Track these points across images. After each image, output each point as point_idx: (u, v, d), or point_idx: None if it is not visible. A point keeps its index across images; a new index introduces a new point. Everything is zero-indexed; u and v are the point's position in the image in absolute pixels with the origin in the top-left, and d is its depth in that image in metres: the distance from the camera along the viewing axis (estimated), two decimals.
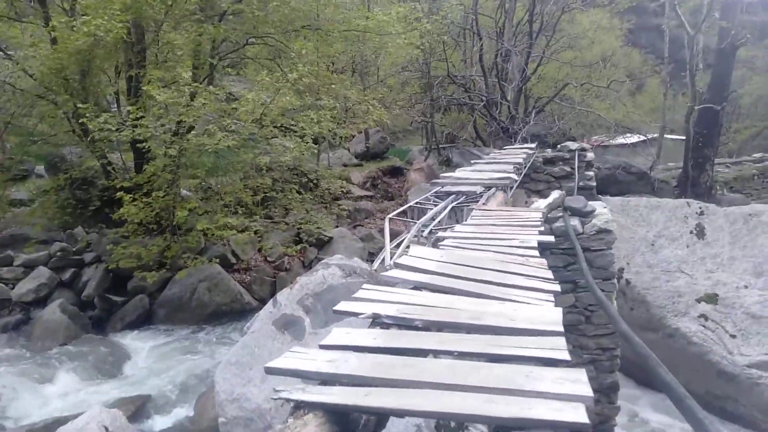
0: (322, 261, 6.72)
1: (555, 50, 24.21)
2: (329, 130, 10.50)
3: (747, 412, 8.35)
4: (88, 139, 9.44)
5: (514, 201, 10.21)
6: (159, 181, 8.94)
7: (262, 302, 12.63)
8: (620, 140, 33.07)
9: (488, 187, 6.27)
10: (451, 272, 2.82)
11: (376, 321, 2.34)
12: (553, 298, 2.56)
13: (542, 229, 4.09)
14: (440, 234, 4.01)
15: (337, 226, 14.82)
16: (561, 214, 5.38)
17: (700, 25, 18.51)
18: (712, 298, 9.18)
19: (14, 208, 14.64)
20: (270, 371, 1.85)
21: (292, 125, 9.96)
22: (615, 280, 5.51)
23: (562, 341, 1.96)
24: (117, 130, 8.47)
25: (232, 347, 6.58)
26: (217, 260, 12.11)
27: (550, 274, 2.91)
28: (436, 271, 2.85)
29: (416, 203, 5.76)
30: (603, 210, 5.47)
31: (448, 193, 6.16)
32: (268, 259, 13.24)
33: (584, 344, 5.80)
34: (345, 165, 20.12)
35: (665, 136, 29.68)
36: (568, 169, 11.07)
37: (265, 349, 6.02)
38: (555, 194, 5.64)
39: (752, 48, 32.97)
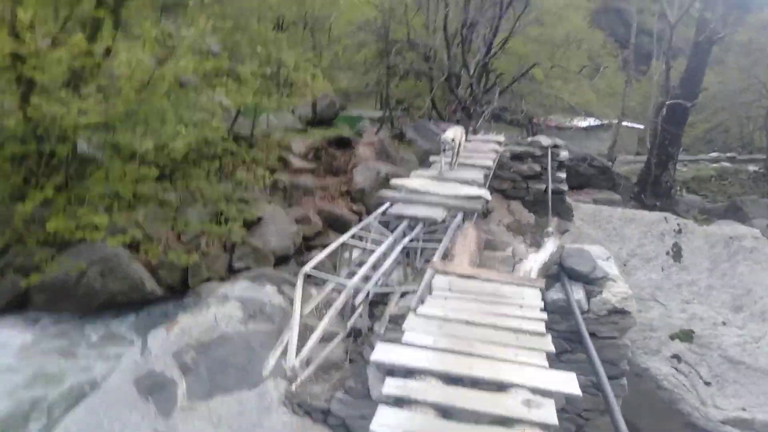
0: (221, 292, 4.88)
1: (523, 25, 22.59)
2: (252, 104, 8.46)
3: None
4: None
5: (492, 211, 8.61)
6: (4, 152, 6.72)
7: (170, 291, 10.62)
8: (576, 123, 32.54)
9: (453, 210, 4.59)
10: None
11: None
12: None
13: (550, 344, 2.50)
14: (382, 360, 2.31)
15: (270, 203, 12.86)
16: (555, 270, 3.83)
17: (682, 14, 17.30)
18: (687, 335, 8.06)
19: None
20: None
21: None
22: (624, 380, 4.07)
23: None
24: None
25: (76, 409, 4.68)
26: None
27: None
28: None
29: (352, 237, 4.04)
30: (615, 273, 3.96)
31: (399, 217, 4.47)
32: (182, 238, 11.15)
33: None
34: (287, 130, 17.90)
35: (622, 123, 29.13)
36: (537, 168, 9.59)
37: (118, 421, 4.19)
38: (550, 246, 4.06)
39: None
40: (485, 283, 3.35)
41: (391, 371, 2.22)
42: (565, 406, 4.00)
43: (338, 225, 12.83)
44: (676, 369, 7.76)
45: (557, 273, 3.89)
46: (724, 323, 8.25)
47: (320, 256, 3.64)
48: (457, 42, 19.44)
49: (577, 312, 3.45)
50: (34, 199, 7.17)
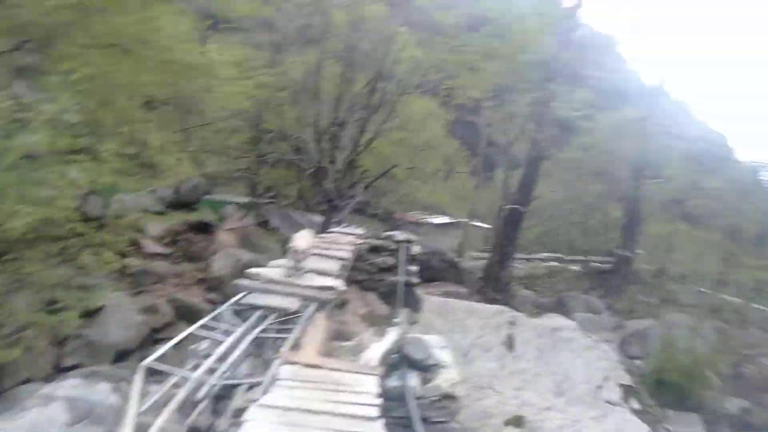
0: (44, 392, 4.48)
1: (389, 128, 24.76)
2: (109, 186, 8.22)
3: None
4: None
5: (348, 302, 8.95)
6: None
7: None
8: (431, 219, 35.25)
9: (308, 301, 4.86)
10: None
11: None
12: None
13: (379, 427, 2.80)
14: None
15: (115, 290, 11.89)
16: (396, 357, 4.22)
17: (519, 133, 20.32)
18: (518, 421, 8.85)
19: None
20: None
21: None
22: None
23: None
24: None
25: None
26: None
27: None
28: None
29: (202, 327, 4.08)
30: (448, 360, 4.46)
31: (253, 307, 4.62)
32: (3, 330, 9.81)
33: None
34: (145, 212, 17.03)
35: (470, 222, 32.17)
36: (391, 261, 10.31)
37: None
38: (392, 335, 4.49)
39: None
40: (329, 372, 3.60)
41: None
42: None
43: (190, 315, 12.09)
44: None
45: (398, 362, 4.28)
46: (548, 408, 9.23)
47: (164, 348, 3.59)
48: (326, 137, 20.62)
49: (410, 397, 3.82)
50: None
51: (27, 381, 8.78)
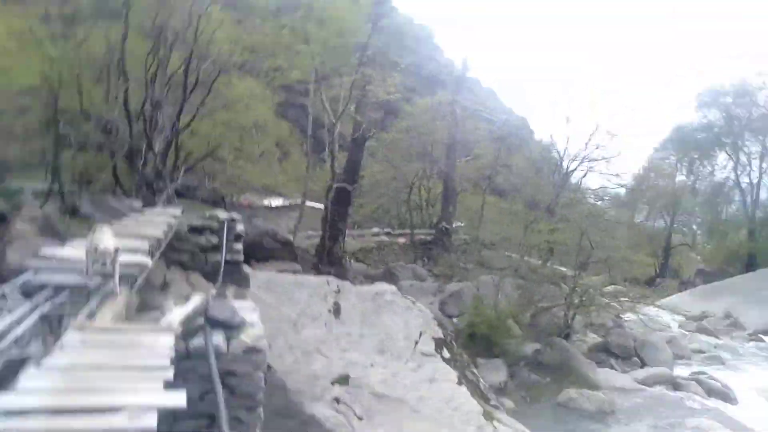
0: None
1: (211, 108, 23.75)
2: None
3: None
4: None
5: (164, 279, 8.59)
6: None
7: None
8: (267, 202, 34.88)
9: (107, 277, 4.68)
10: None
11: None
12: None
13: (170, 373, 2.93)
14: None
15: None
16: (200, 323, 4.32)
17: (339, 115, 21.02)
18: (344, 380, 9.49)
19: None
20: None
21: None
22: (261, 410, 4.71)
23: None
24: None
25: None
26: None
27: None
28: None
29: None
30: (254, 319, 4.67)
31: (43, 286, 4.33)
32: None
33: None
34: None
35: (306, 204, 32.60)
36: (215, 240, 10.16)
37: None
38: (195, 300, 4.56)
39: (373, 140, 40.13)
40: (123, 335, 3.58)
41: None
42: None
43: None
44: (336, 410, 9.01)
45: (202, 323, 4.39)
46: (372, 365, 10.04)
47: None
48: (140, 118, 19.11)
49: (211, 352, 3.99)
50: None
51: None
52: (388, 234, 31.66)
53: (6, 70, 11.23)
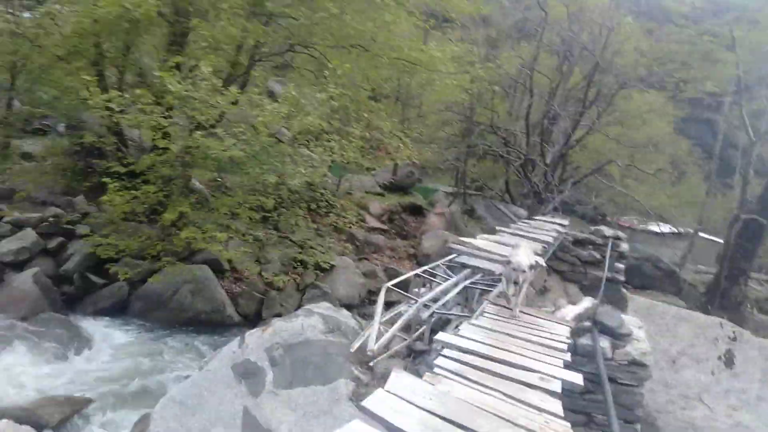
0: (306, 307, 5.90)
1: (604, 123, 23.44)
2: (353, 161, 9.87)
3: None
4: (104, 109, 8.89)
5: (544, 284, 9.31)
6: (155, 175, 8.33)
7: (245, 319, 11.81)
8: (651, 227, 31.84)
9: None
10: None
11: None
12: None
13: (568, 356, 3.26)
14: (443, 339, 3.19)
15: (343, 254, 14.03)
16: (588, 324, 4.53)
17: (763, 134, 17.58)
18: None
19: (25, 161, 14.21)
20: None
21: (311, 147, 9.35)
22: (638, 426, 4.62)
23: None
24: (120, 111, 7.91)
25: (181, 383, 5.74)
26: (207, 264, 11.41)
27: None
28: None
29: (423, 271, 4.96)
30: (640, 334, 4.61)
31: (463, 266, 5.35)
32: (263, 273, 12.45)
33: None
34: (367, 192, 19.42)
35: (699, 234, 28.53)
36: (597, 255, 10.16)
37: (216, 396, 5.20)
38: (586, 302, 4.81)
39: None
40: (527, 316, 4.11)
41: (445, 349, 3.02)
42: None
43: (400, 285, 13.76)
44: None
45: (590, 327, 4.56)
46: None
47: (402, 277, 4.57)
48: (537, 131, 20.58)
49: (600, 356, 4.10)
50: (174, 212, 8.69)
51: (278, 315, 11.05)
52: None
53: (444, 89, 13.90)
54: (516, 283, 4.26)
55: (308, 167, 8.67)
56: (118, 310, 11.13)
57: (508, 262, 4.43)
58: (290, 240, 12.37)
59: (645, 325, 9.91)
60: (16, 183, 12.84)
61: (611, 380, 4.32)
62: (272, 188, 9.73)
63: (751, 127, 18.79)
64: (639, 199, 22.52)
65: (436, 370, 2.76)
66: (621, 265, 10.22)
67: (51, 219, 11.79)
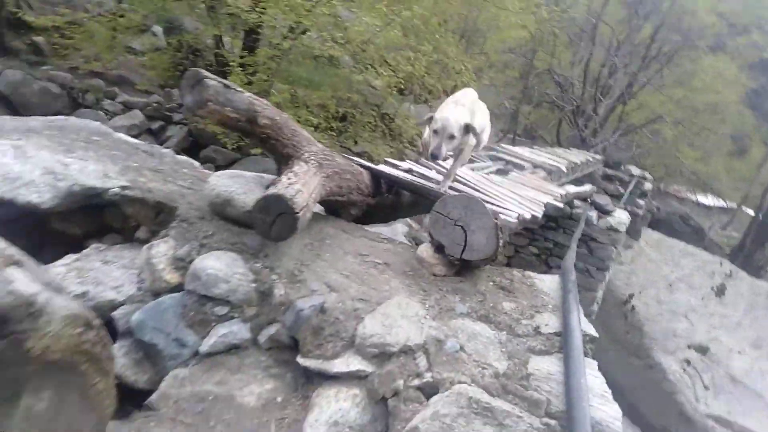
0: None
1: (665, 83, 23.45)
2: (420, 76, 11.23)
3: None
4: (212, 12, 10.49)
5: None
6: (263, 67, 9.93)
7: None
8: (699, 198, 31.29)
9: (537, 167, 6.99)
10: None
11: None
12: None
13: (558, 201, 4.86)
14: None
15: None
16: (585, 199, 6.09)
17: None
18: (702, 349, 9.67)
19: (129, 55, 16.25)
20: None
21: (389, 62, 10.82)
22: (607, 273, 6.22)
23: None
24: (246, 11, 9.43)
25: None
26: None
27: None
28: None
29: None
30: (623, 215, 6.14)
31: (501, 159, 6.92)
32: None
33: None
34: (419, 124, 20.56)
35: (743, 208, 28.51)
36: (622, 190, 11.46)
37: None
38: (587, 187, 6.33)
39: None
40: (537, 182, 5.71)
41: None
42: None
43: None
44: (683, 369, 9.41)
45: (586, 201, 6.14)
46: (739, 352, 9.71)
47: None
48: (594, 81, 21.09)
49: (583, 216, 5.67)
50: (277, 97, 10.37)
51: None
52: None
53: (509, 28, 14.72)
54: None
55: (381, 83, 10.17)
56: None
57: (431, 119, 3.54)
58: (350, 151, 14.01)
59: (652, 252, 11.34)
60: (124, 72, 14.94)
61: (593, 239, 5.92)
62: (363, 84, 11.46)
63: None
64: (685, 162, 22.90)
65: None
66: (642, 202, 11.52)
67: (154, 104, 13.91)
